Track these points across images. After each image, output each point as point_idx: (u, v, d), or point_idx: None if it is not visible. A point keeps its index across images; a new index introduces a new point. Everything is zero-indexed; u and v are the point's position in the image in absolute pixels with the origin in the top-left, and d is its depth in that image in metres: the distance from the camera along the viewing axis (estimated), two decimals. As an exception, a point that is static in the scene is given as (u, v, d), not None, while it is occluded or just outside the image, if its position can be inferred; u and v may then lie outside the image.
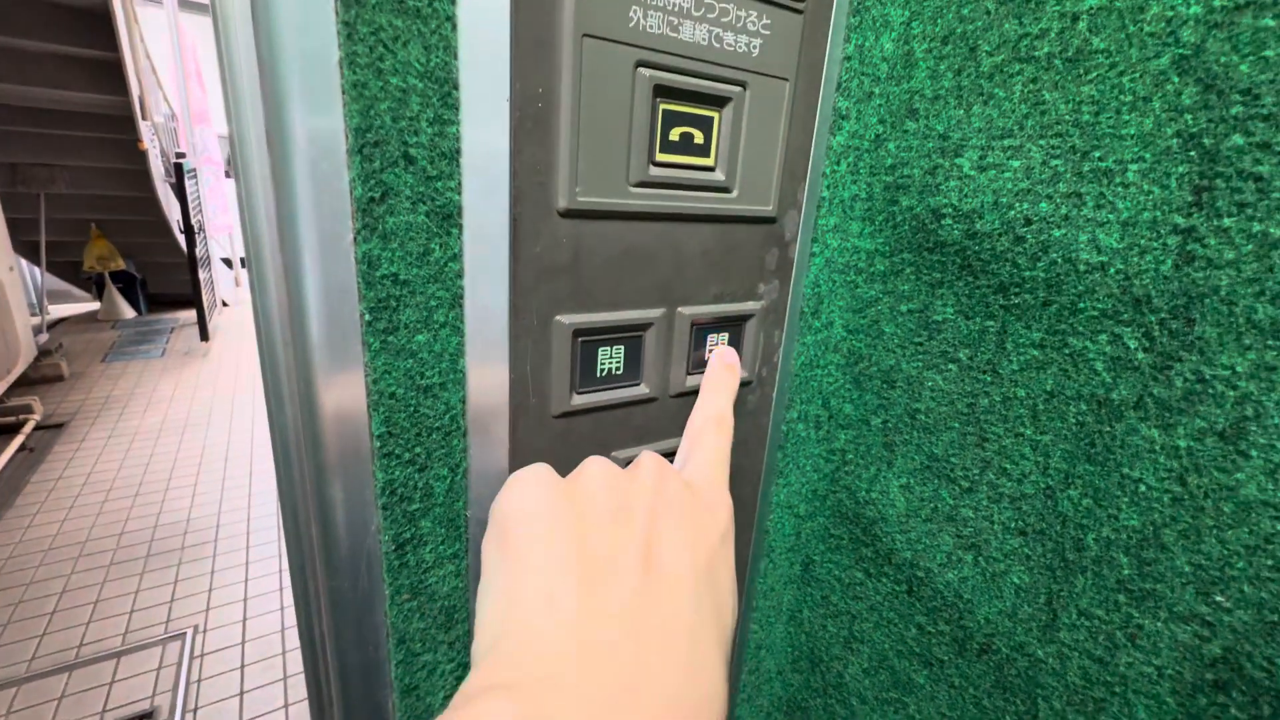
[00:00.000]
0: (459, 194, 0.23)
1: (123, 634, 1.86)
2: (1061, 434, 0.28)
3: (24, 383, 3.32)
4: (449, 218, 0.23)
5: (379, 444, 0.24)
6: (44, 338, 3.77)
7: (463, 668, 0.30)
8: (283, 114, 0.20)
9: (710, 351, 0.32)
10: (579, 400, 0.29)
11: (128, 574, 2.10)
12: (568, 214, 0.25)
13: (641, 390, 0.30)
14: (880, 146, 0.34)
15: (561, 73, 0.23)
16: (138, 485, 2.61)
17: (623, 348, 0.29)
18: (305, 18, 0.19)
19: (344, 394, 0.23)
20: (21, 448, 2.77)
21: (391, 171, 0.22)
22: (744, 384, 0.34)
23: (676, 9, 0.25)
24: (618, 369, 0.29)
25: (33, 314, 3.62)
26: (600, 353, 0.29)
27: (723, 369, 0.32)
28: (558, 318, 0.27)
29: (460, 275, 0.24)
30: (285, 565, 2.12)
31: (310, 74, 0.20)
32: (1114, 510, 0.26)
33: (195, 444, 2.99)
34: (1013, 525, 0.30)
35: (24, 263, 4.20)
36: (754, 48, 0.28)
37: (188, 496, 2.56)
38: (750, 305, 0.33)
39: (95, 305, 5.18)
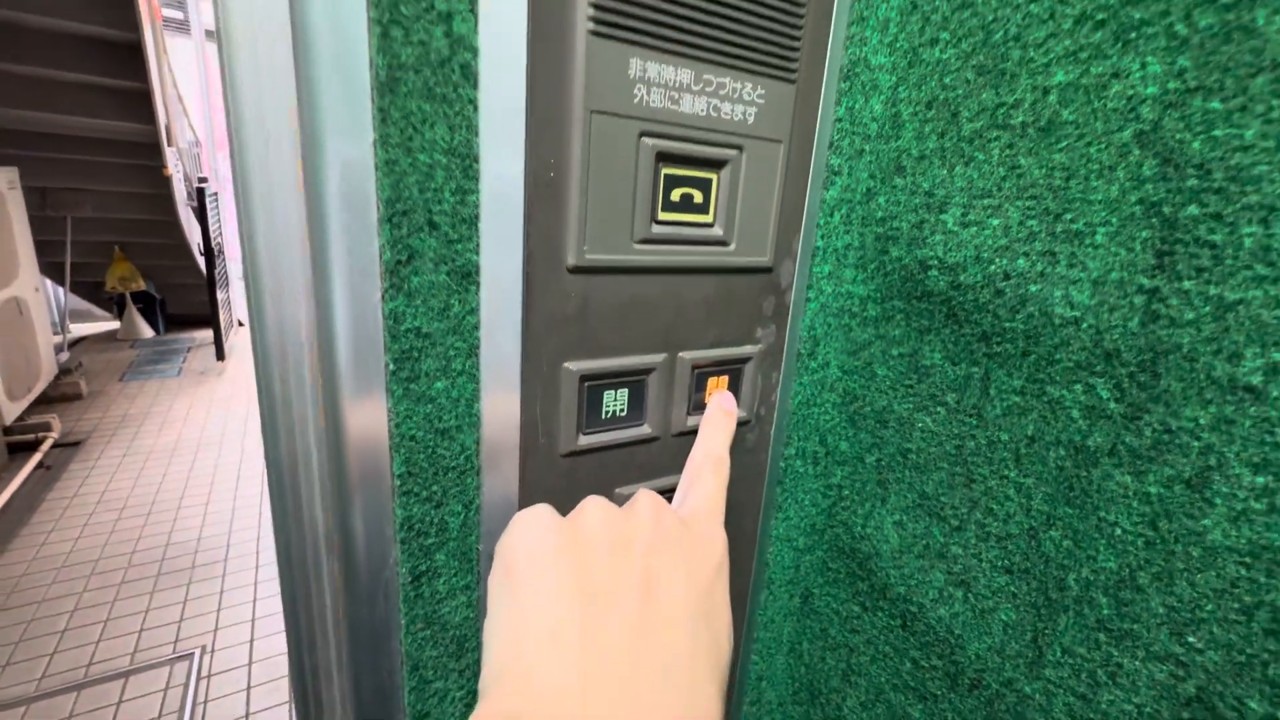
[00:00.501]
0: (477, 255, 0.25)
1: (131, 653, 1.87)
2: (1043, 477, 0.29)
3: (44, 400, 3.39)
4: (468, 276, 0.25)
5: (399, 483, 0.26)
6: (65, 356, 3.86)
7: (472, 695, 0.32)
8: (321, 186, 0.22)
9: (710, 395, 0.34)
10: (585, 440, 0.30)
11: (138, 593, 2.12)
12: (576, 270, 0.28)
13: (644, 430, 0.32)
14: (871, 200, 0.36)
15: (572, 145, 0.26)
16: (150, 504, 2.64)
17: (626, 391, 0.31)
18: (345, 103, 0.22)
19: (369, 437, 0.25)
20: (39, 465, 2.82)
21: (417, 237, 0.24)
22: (743, 423, 0.36)
23: (677, 85, 0.27)
24: (622, 411, 0.31)
25: (55, 333, 3.70)
26: (605, 396, 0.30)
27: (720, 412, 0.33)
28: (566, 364, 0.29)
29: (477, 327, 0.26)
30: (293, 586, 2.13)
31: (347, 152, 0.22)
32: (1092, 552, 0.27)
33: (208, 463, 3.03)
34: (999, 563, 0.32)
35: (48, 283, 4.32)
36: (749, 115, 0.30)
37: (199, 516, 2.59)
38: (748, 349, 0.35)
39: (115, 324, 5.29)
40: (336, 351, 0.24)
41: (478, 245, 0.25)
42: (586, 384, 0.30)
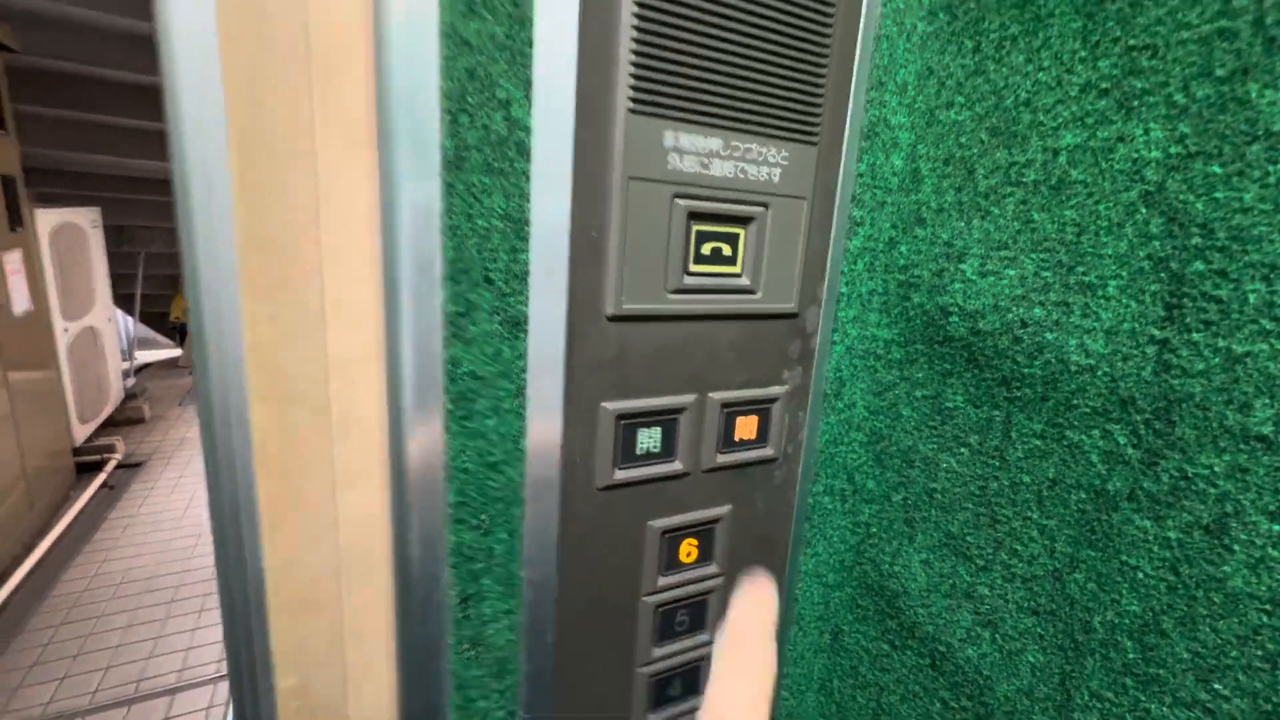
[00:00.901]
0: (526, 306, 0.28)
1: (179, 670, 1.93)
2: (1065, 520, 0.30)
3: (110, 423, 3.60)
4: (517, 325, 0.28)
5: (452, 511, 0.29)
6: (131, 381, 4.10)
7: (510, 715, 0.33)
8: (395, 250, 0.25)
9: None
10: (620, 475, 0.33)
11: (188, 611, 2.20)
12: (614, 318, 0.30)
13: (676, 466, 0.34)
14: (893, 248, 0.38)
15: (612, 207, 0.29)
16: (202, 524, 2.76)
17: (660, 429, 0.33)
18: (418, 179, 0.25)
19: (427, 469, 0.28)
20: (103, 485, 2.98)
21: (475, 291, 0.27)
22: (771, 460, 0.38)
23: (707, 151, 0.30)
24: (655, 447, 0.33)
25: (123, 359, 3.95)
26: (640, 434, 0.33)
27: (749, 596, 0.32)
28: (603, 404, 0.31)
29: (524, 370, 0.29)
30: (332, 609, 2.17)
31: (418, 221, 0.25)
32: (1116, 595, 0.28)
33: (256, 486, 3.14)
34: (1026, 605, 0.32)
35: (119, 312, 4.62)
36: (774, 175, 0.33)
37: (246, 537, 2.68)
38: (775, 390, 0.37)
39: (177, 352, 5.60)
40: (402, 393, 0.27)
41: (527, 298, 0.28)
42: (622, 422, 0.32)
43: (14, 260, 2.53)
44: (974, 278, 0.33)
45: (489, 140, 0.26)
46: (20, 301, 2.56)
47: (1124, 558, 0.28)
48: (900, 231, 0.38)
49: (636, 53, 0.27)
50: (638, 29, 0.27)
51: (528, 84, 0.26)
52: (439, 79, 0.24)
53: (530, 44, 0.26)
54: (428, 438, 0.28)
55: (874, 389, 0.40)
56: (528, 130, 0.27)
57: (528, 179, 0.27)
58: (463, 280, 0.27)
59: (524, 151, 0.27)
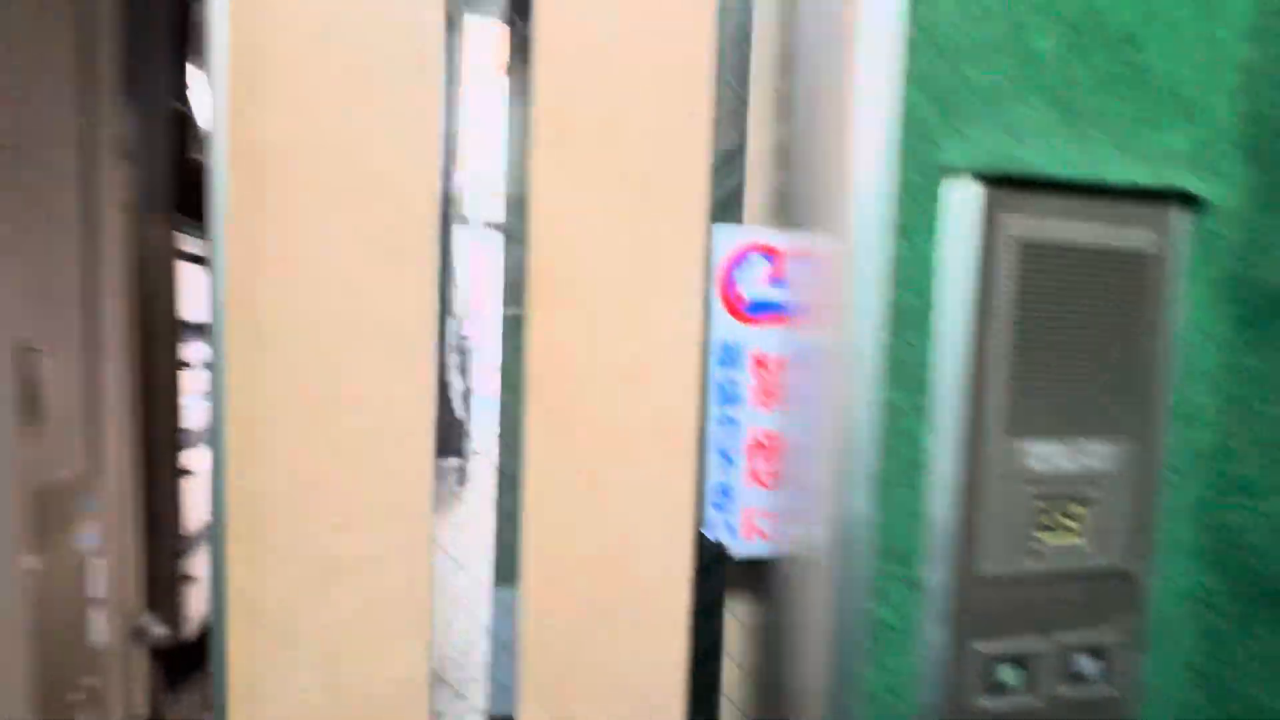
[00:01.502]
0: (921, 573, 0.39)
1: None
2: None
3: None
4: (917, 586, 0.39)
5: None
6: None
7: None
8: (840, 541, 0.38)
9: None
10: (984, 704, 0.40)
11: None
12: (983, 580, 0.40)
13: (1029, 700, 0.41)
14: (1215, 511, 0.43)
15: (985, 501, 0.39)
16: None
17: (1016, 667, 0.41)
18: (855, 496, 0.38)
19: (853, 698, 0.38)
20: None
21: (893, 566, 0.38)
22: (1110, 697, 0.43)
23: (1055, 454, 0.40)
24: (1013, 682, 0.41)
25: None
26: (1001, 670, 0.41)
27: None
28: (975, 645, 0.40)
29: (919, 621, 0.39)
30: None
31: (857, 521, 0.38)
32: None
33: (451, 582, 3.48)
34: None
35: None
36: (1106, 463, 0.41)
37: (441, 634, 2.95)
38: (1110, 631, 0.43)
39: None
40: (838, 644, 0.38)
41: (923, 567, 0.39)
42: (988, 661, 0.40)
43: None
44: None
45: (903, 464, 0.38)
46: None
47: None
48: (1218, 494, 0.43)
49: (1009, 403, 0.38)
50: (1009, 385, 0.38)
51: (929, 425, 0.38)
52: (877, 432, 0.37)
53: (930, 404, 0.38)
54: (851, 672, 0.38)
55: (1205, 633, 0.44)
56: (928, 453, 0.38)
57: (926, 486, 0.38)
58: (884, 559, 0.38)
59: (925, 468, 0.38)
